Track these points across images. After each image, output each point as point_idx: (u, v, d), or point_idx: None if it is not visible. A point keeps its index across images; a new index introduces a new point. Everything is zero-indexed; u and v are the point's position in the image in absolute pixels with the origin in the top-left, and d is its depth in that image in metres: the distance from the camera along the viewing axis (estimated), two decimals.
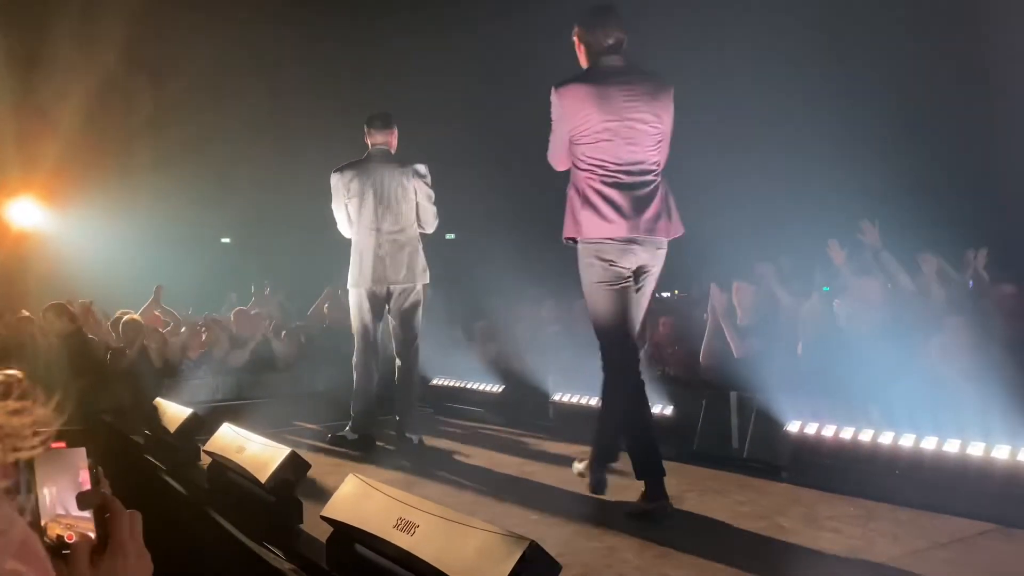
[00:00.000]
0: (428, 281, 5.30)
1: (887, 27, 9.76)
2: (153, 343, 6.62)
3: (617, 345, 3.42)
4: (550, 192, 4.25)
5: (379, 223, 4.98)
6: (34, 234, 11.50)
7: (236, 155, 11.95)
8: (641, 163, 3.49)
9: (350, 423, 5.10)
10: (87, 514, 1.01)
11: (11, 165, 10.39)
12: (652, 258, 3.48)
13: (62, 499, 1.02)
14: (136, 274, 9.78)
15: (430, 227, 5.24)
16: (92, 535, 1.00)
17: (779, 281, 5.18)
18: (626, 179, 3.43)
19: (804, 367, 4.29)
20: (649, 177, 3.49)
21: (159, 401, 4.87)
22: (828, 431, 3.79)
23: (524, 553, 1.86)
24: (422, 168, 5.14)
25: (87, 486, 1.05)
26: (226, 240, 15.89)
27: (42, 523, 1.00)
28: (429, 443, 5.08)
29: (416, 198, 5.11)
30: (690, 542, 2.99)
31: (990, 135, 8.45)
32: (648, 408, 3.59)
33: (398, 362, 5.30)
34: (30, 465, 0.98)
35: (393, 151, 5.20)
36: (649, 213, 3.42)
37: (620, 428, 3.46)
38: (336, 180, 5.15)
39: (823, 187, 7.32)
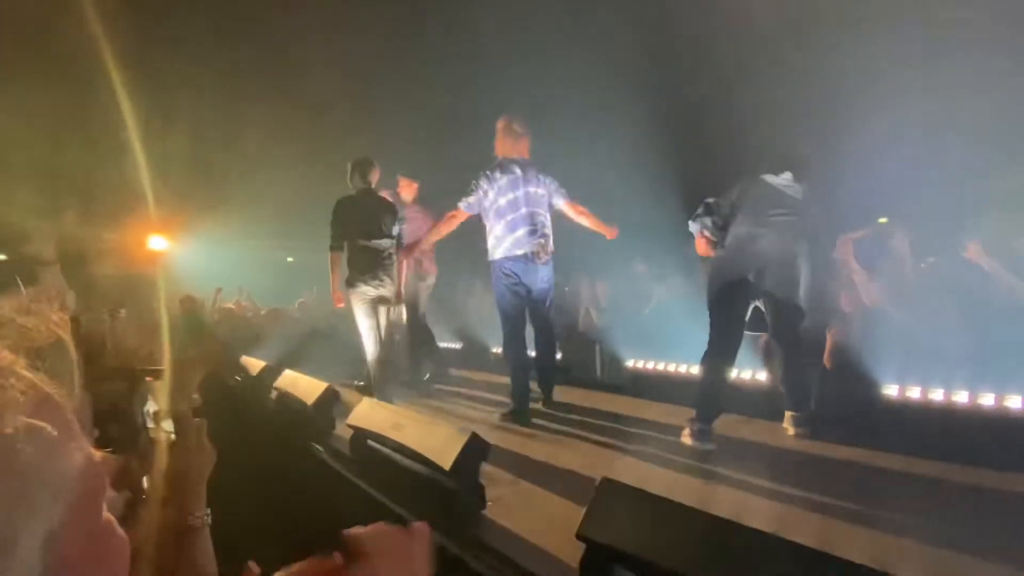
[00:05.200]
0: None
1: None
2: (240, 322, 6.63)
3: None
4: None
5: None
6: (161, 255, 11.35)
7: (296, 195, 11.15)
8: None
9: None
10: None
11: (149, 212, 10.09)
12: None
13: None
14: (230, 282, 9.66)
15: None
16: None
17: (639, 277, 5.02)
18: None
19: (639, 331, 4.27)
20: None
21: (244, 357, 4.86)
22: (649, 364, 3.86)
23: (468, 439, 1.96)
24: None
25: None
26: (290, 259, 15.64)
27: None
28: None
29: None
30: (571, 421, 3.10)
31: None
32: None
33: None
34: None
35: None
36: None
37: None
38: None
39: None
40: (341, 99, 9.76)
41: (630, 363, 3.98)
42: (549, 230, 3.38)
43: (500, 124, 3.40)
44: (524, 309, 3.38)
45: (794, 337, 2.74)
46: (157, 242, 11.32)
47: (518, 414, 3.26)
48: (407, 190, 4.59)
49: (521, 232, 3.27)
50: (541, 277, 3.36)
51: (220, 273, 10.26)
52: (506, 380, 3.37)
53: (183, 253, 11.60)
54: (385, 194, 4.17)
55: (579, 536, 1.40)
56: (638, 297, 4.57)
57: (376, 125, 9.69)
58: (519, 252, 3.27)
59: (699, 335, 2.79)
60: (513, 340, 3.37)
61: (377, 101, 9.79)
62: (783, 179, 2.71)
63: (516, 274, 3.30)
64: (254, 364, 4.45)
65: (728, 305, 2.70)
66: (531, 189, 3.32)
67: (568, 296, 5.27)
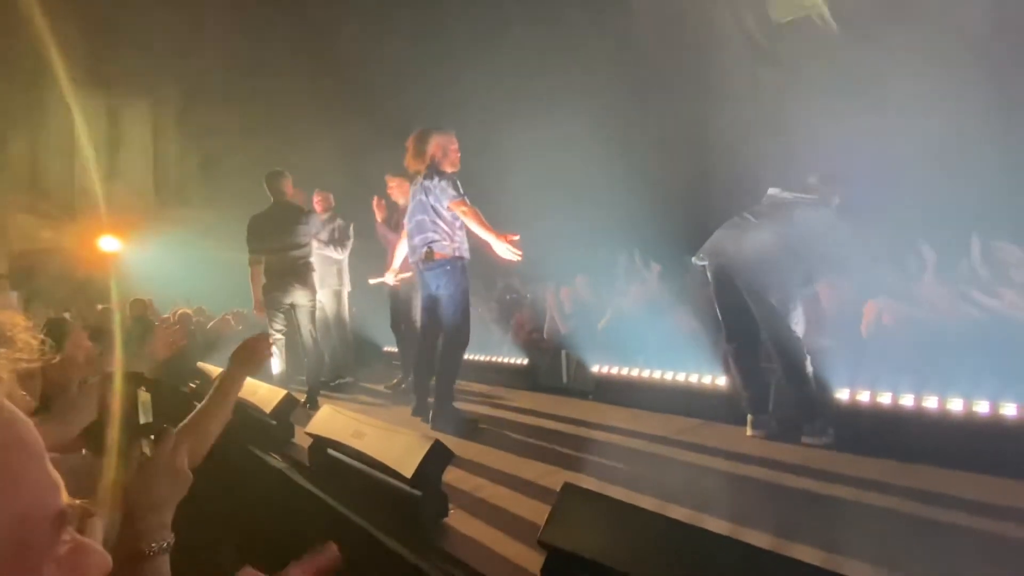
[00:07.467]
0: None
1: None
2: (197, 328, 6.41)
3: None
4: None
5: None
6: (113, 256, 10.88)
7: (258, 196, 10.83)
8: None
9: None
10: None
11: (100, 212, 9.69)
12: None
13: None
14: (187, 285, 9.32)
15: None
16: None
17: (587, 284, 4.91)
18: None
19: (602, 337, 4.28)
20: None
21: (200, 364, 4.70)
22: (614, 369, 3.85)
23: (431, 446, 1.92)
24: None
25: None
26: None
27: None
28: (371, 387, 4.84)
29: None
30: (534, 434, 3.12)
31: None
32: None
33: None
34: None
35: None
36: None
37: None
38: None
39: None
40: (307, 98, 9.63)
41: (595, 368, 3.98)
42: (436, 235, 3.27)
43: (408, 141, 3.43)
44: (429, 318, 3.44)
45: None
46: (108, 243, 10.86)
47: (415, 411, 3.50)
48: (397, 191, 4.49)
49: (411, 242, 3.39)
50: (433, 283, 3.35)
51: (176, 276, 9.89)
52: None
53: (137, 254, 11.13)
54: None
55: (541, 542, 1.38)
56: (601, 303, 4.58)
57: (342, 125, 9.57)
58: (412, 260, 3.43)
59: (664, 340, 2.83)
60: (419, 348, 3.52)
61: (344, 101, 9.67)
62: (778, 189, 2.94)
63: (420, 283, 3.49)
64: (212, 371, 4.28)
65: (717, 301, 2.98)
66: (420, 198, 3.32)
67: (533, 302, 5.27)
